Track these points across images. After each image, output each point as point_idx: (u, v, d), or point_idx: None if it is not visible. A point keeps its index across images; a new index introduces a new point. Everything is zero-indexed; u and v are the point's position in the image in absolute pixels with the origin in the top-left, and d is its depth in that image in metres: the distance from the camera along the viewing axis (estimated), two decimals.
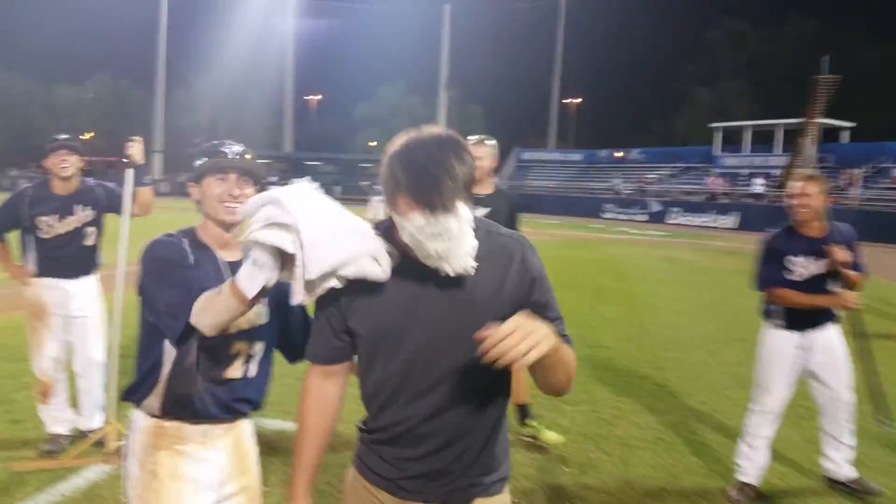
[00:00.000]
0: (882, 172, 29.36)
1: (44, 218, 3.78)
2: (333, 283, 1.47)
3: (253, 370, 1.96)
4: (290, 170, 40.22)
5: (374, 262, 1.46)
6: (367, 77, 51.90)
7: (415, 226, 1.38)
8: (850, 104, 36.68)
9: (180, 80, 49.34)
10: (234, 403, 1.94)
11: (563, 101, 52.63)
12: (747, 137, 36.24)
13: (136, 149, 3.73)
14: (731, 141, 36.89)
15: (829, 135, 34.85)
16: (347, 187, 32.09)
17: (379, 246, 1.48)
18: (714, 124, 37.23)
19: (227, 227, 1.91)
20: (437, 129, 1.44)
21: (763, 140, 36.09)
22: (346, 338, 1.58)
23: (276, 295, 1.84)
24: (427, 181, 1.36)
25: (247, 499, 2.01)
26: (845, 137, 35.02)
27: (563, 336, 1.49)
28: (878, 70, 42.66)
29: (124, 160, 3.77)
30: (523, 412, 4.19)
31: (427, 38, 47.17)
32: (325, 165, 44.17)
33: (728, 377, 5.78)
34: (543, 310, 1.51)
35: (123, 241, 3.76)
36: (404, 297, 1.50)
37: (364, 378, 1.60)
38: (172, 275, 1.80)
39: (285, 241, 1.44)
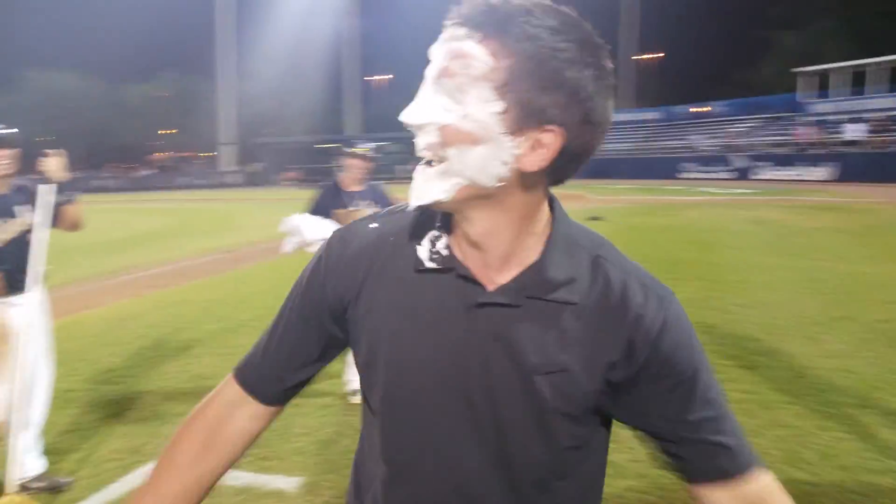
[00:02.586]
0: None
1: None
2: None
3: None
4: None
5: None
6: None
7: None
8: None
9: (247, 71, 49.77)
10: None
11: (639, 56, 50.02)
12: (836, 81, 33.20)
13: (51, 163, 3.29)
14: (822, 87, 33.96)
15: None
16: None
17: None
18: (797, 69, 34.34)
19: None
20: None
21: (855, 83, 32.98)
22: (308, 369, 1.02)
23: None
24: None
25: None
26: None
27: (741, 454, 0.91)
28: None
29: (40, 174, 3.30)
30: None
31: None
32: (391, 145, 43.76)
33: (836, 374, 4.60)
34: (687, 417, 0.91)
35: (37, 261, 3.26)
36: (436, 330, 0.90)
37: (371, 436, 1.00)
38: None
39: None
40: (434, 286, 0.90)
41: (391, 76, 62.11)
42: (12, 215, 3.22)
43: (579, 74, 0.79)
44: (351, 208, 4.37)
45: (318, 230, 4.25)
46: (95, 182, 41.29)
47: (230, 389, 1.03)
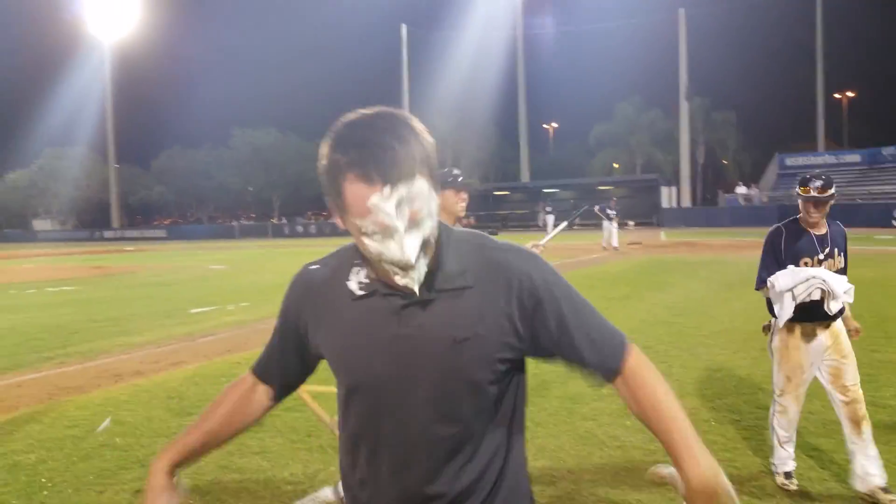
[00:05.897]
0: None
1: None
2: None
3: None
4: (528, 199, 40.46)
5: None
6: (602, 97, 50.70)
7: (370, 207, 1.10)
8: None
9: (426, 123, 52.46)
10: None
11: (832, 96, 46.28)
12: None
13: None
14: None
15: None
16: (588, 212, 31.04)
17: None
18: None
19: None
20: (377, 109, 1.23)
21: None
22: (294, 359, 1.41)
23: None
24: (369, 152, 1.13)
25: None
26: None
27: (616, 353, 1.28)
28: None
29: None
30: None
31: (664, 47, 44.79)
32: (562, 192, 43.68)
33: None
34: (568, 334, 1.25)
35: None
36: (378, 336, 1.23)
37: (341, 430, 1.36)
38: None
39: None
40: (367, 307, 1.22)
41: (556, 125, 62.92)
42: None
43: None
44: (821, 257, 3.60)
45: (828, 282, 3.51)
46: (298, 228, 45.75)
47: (250, 378, 1.44)
